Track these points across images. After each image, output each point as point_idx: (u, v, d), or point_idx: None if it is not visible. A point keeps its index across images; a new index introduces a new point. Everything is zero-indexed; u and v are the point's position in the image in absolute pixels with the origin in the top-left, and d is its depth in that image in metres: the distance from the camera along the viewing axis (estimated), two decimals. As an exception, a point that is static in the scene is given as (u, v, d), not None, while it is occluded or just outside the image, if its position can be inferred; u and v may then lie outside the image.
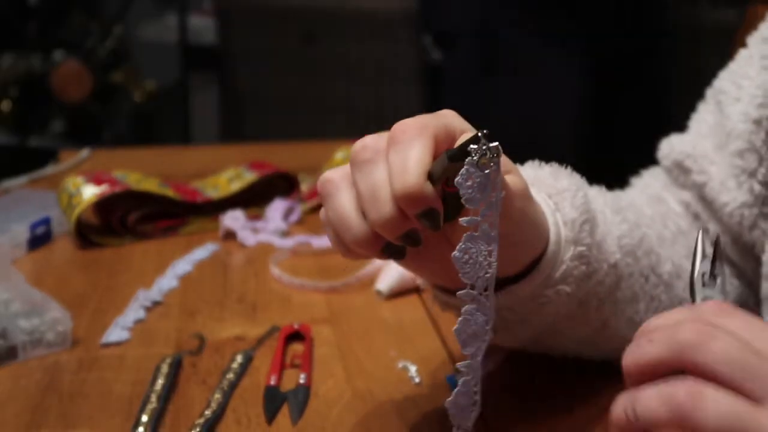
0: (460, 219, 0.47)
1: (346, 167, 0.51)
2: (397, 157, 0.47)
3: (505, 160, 0.51)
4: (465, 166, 0.46)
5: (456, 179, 0.46)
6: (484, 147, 0.46)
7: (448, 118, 0.50)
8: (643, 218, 0.72)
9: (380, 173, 0.48)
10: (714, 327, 0.40)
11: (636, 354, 0.41)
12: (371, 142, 0.49)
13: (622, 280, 0.62)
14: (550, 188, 0.59)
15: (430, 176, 0.47)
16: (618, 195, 0.75)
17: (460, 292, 0.48)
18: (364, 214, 0.49)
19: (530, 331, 0.61)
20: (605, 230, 0.61)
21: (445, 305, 0.61)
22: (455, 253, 0.47)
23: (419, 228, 0.49)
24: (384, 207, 0.47)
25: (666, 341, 0.40)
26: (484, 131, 0.46)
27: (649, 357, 0.41)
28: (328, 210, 0.51)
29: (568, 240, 0.57)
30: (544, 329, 0.61)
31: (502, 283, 0.56)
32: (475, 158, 0.46)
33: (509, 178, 0.50)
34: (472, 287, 0.48)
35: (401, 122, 0.49)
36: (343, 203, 0.50)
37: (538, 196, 0.58)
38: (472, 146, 0.46)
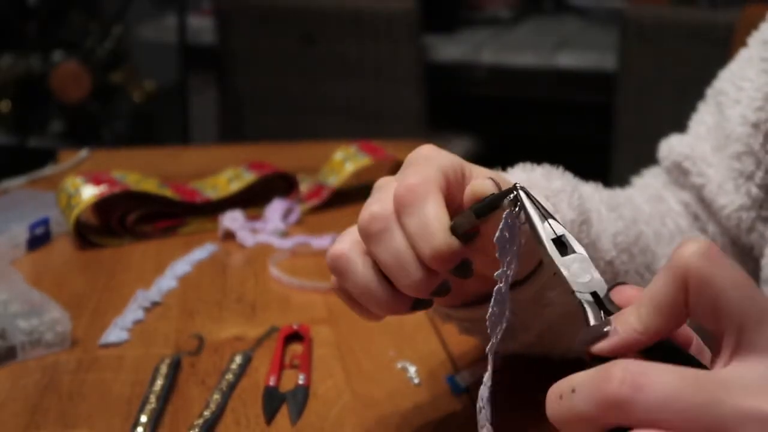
0: (495, 274, 0.46)
1: (351, 235, 0.49)
2: (414, 220, 0.46)
3: (487, 171, 0.50)
4: (504, 219, 0.45)
5: (496, 236, 0.45)
6: (518, 201, 0.44)
7: (439, 159, 0.48)
8: (641, 215, 0.72)
9: (399, 240, 0.46)
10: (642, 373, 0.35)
11: (561, 410, 0.37)
12: (378, 210, 0.47)
13: (617, 278, 0.62)
14: (546, 190, 0.59)
15: (454, 230, 0.46)
16: (615, 192, 0.75)
17: (489, 347, 0.47)
18: (387, 280, 0.48)
19: (531, 335, 0.61)
20: (600, 228, 0.61)
21: (447, 317, 0.61)
22: (489, 314, 0.46)
23: (449, 279, 0.48)
24: (413, 272, 0.46)
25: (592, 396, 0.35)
26: (518, 184, 0.45)
27: (575, 414, 0.36)
28: (348, 285, 0.49)
29: None
30: (544, 331, 0.61)
31: None
32: (515, 211, 0.44)
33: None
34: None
35: (402, 182, 0.47)
36: (364, 276, 0.48)
37: None
38: (508, 198, 0.45)
